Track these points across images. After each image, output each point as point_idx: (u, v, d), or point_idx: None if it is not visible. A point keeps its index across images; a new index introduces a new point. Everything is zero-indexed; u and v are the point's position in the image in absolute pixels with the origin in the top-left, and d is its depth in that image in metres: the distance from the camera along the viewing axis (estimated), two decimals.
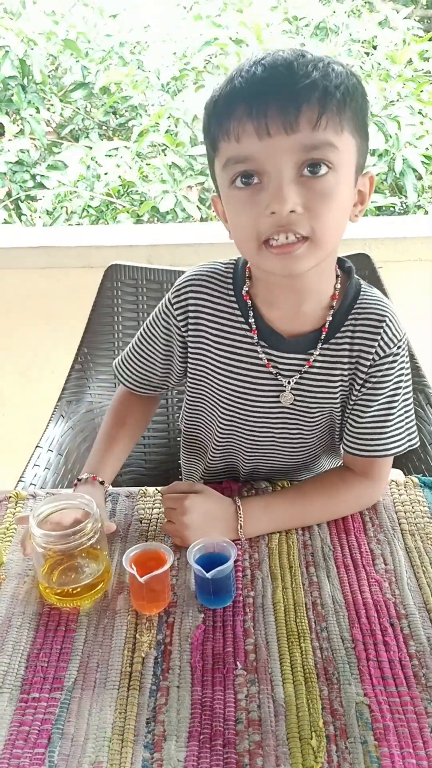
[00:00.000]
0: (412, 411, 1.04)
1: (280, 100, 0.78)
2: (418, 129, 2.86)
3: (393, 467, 1.44)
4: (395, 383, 0.99)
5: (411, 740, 0.72)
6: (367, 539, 0.99)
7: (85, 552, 0.90)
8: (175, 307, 1.03)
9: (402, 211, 2.92)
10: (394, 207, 2.88)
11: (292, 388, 1.01)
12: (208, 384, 1.08)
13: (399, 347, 0.98)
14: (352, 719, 0.74)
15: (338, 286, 0.97)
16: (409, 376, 1.02)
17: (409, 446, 1.03)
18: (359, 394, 1.00)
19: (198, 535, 0.95)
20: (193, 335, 1.04)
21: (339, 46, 3.40)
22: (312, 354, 0.99)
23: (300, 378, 1.00)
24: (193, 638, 0.84)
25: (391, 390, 0.99)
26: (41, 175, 3.21)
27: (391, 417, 1.00)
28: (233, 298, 1.01)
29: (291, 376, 1.00)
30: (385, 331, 0.96)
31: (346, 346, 0.98)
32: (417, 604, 0.88)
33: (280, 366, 1.00)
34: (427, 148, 2.85)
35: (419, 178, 2.78)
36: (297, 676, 0.79)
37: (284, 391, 1.01)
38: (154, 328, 1.08)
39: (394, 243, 1.92)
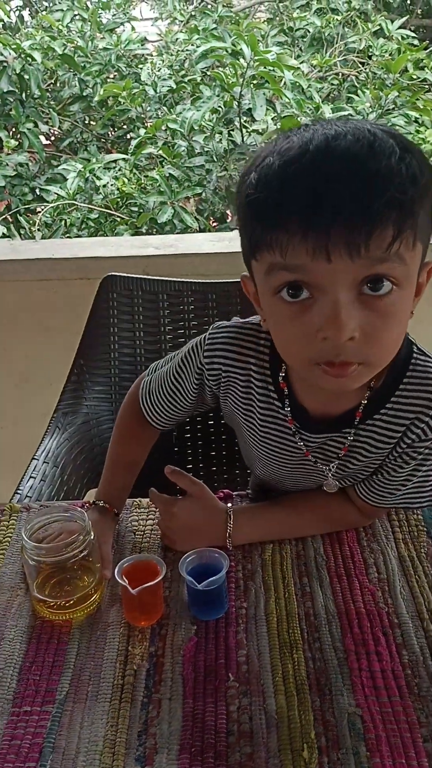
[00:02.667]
0: None
1: (348, 223, 0.63)
2: (414, 137, 2.86)
3: None
4: (425, 457, 0.90)
5: (403, 750, 0.71)
6: (361, 548, 0.98)
7: (77, 564, 0.90)
8: (208, 371, 0.96)
9: None
10: None
11: (333, 474, 0.95)
12: (242, 439, 1.05)
13: None
14: (345, 730, 0.74)
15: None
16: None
17: (419, 506, 1.01)
18: (388, 462, 0.92)
19: (183, 540, 0.95)
20: (224, 395, 0.98)
21: (334, 56, 3.42)
22: (346, 434, 0.90)
23: (339, 464, 0.94)
24: (185, 650, 0.84)
25: (420, 461, 0.91)
26: (40, 188, 3.23)
27: (409, 482, 0.94)
28: (269, 380, 0.92)
29: (329, 462, 0.94)
30: None
31: (391, 425, 0.88)
32: (410, 613, 0.88)
33: (316, 450, 0.93)
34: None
35: None
36: (289, 687, 0.79)
37: (327, 478, 0.96)
38: (185, 375, 1.00)
39: None
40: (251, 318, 0.95)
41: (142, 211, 2.77)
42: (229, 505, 1.01)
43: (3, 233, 2.78)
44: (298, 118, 2.78)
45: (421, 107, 2.96)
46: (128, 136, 3.50)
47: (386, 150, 0.64)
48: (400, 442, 0.89)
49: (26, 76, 3.27)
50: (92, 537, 0.90)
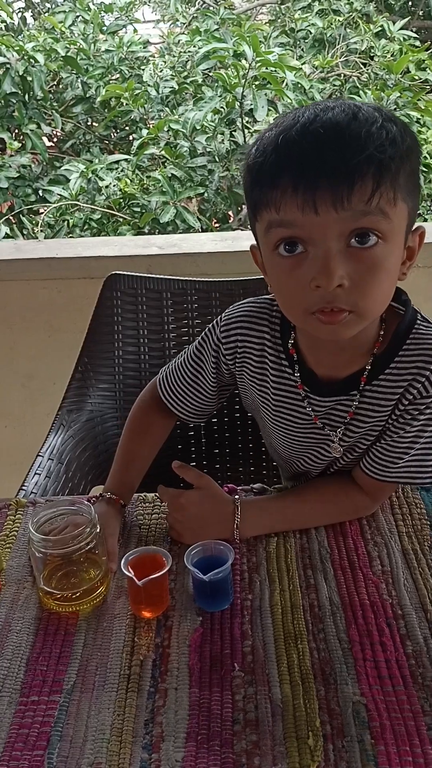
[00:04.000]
0: None
1: (331, 177, 0.72)
2: (416, 138, 2.87)
3: None
4: (427, 419, 0.94)
5: (408, 739, 0.72)
6: (365, 541, 0.99)
7: (84, 557, 0.91)
8: (224, 343, 1.03)
9: None
10: None
11: (339, 439, 0.99)
12: (257, 413, 1.09)
13: None
14: (349, 718, 0.75)
15: (382, 332, 0.93)
16: None
17: (421, 483, 1.02)
18: (391, 424, 0.96)
19: (191, 532, 0.96)
20: (239, 371, 1.05)
21: (336, 57, 3.43)
22: (354, 397, 0.95)
23: (345, 428, 0.98)
24: (191, 641, 0.85)
25: (421, 425, 0.94)
26: (43, 189, 3.24)
27: (412, 449, 0.96)
28: (281, 349, 0.99)
29: (336, 427, 0.98)
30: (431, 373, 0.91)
31: (391, 387, 0.93)
32: (414, 604, 0.88)
33: (324, 414, 0.98)
34: (425, 157, 2.86)
35: None
36: (294, 677, 0.80)
37: (333, 441, 1.00)
38: (203, 358, 1.06)
39: None
40: (263, 296, 1.03)
41: (144, 211, 2.78)
42: (237, 497, 1.02)
43: (6, 234, 2.79)
44: None
45: (423, 108, 2.97)
46: (131, 137, 3.51)
47: (369, 118, 0.74)
48: (401, 399, 0.93)
49: (29, 78, 3.29)
50: (99, 530, 0.91)
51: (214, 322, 1.05)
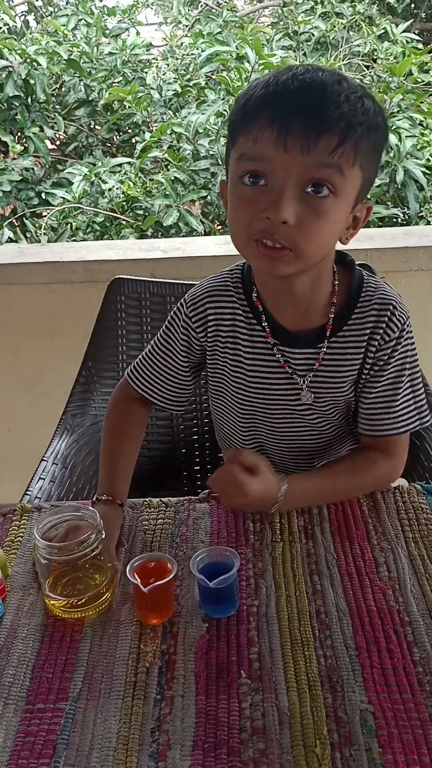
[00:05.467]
0: (422, 390, 1.07)
1: (305, 121, 0.81)
2: (419, 140, 2.87)
3: None
4: (400, 363, 1.03)
5: (415, 747, 0.72)
6: (371, 547, 0.99)
7: (89, 563, 0.91)
8: (193, 320, 1.09)
9: (404, 223, 2.93)
10: (396, 218, 2.89)
11: (308, 386, 1.05)
12: (228, 389, 1.13)
13: (403, 330, 1.02)
14: (357, 727, 0.74)
15: (336, 283, 1.02)
16: (415, 356, 1.05)
17: (420, 424, 1.06)
18: (367, 377, 1.04)
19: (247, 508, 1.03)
20: (211, 344, 1.09)
21: (339, 60, 3.43)
22: (321, 349, 1.03)
23: (314, 375, 1.05)
24: (197, 648, 0.85)
25: (396, 369, 1.03)
26: (46, 192, 3.24)
27: (398, 396, 1.04)
28: (246, 306, 1.06)
29: (305, 375, 1.05)
30: (389, 318, 1.01)
31: (355, 337, 1.02)
32: (421, 611, 0.88)
33: (295, 365, 1.05)
34: (428, 159, 2.86)
35: (421, 188, 2.79)
36: (301, 684, 0.79)
37: (302, 389, 1.06)
38: (171, 341, 1.12)
39: (396, 253, 1.93)
40: (219, 272, 1.11)
41: (147, 214, 2.78)
42: (281, 475, 1.02)
43: (9, 237, 2.79)
44: None
45: (426, 110, 2.97)
46: (133, 140, 3.52)
47: (352, 87, 0.84)
48: (368, 351, 1.02)
49: (32, 81, 3.29)
50: (104, 536, 0.91)
51: (179, 304, 1.12)
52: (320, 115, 0.81)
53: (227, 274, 1.09)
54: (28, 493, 1.22)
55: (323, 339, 1.02)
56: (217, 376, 1.13)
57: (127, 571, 0.88)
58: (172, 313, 1.13)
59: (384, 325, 1.01)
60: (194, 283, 1.54)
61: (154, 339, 1.15)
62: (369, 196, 0.96)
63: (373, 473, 1.07)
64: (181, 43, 3.66)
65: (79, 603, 0.89)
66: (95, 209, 2.86)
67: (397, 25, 3.60)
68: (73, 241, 2.83)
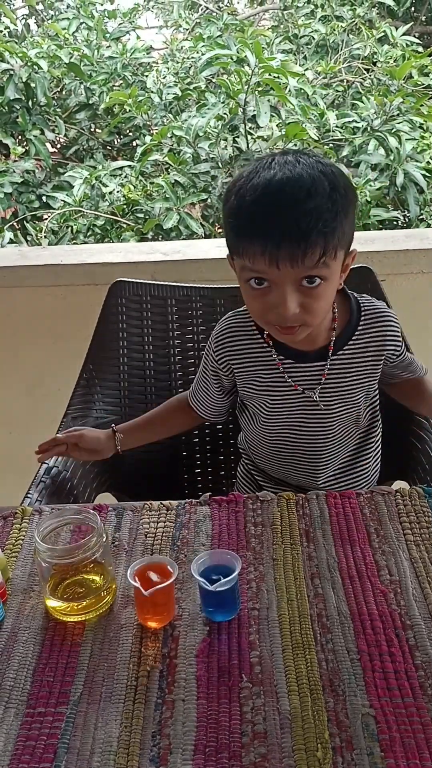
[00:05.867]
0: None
1: (290, 244, 0.97)
2: (419, 143, 2.88)
3: (398, 479, 1.44)
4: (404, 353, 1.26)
5: (417, 751, 0.71)
6: (372, 550, 0.99)
7: (90, 566, 0.91)
8: (217, 357, 1.25)
9: (405, 225, 2.93)
10: (396, 221, 2.89)
11: (318, 396, 1.21)
12: (254, 407, 1.28)
13: (400, 337, 1.22)
14: (358, 731, 0.74)
15: (335, 311, 1.18)
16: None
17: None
18: (390, 368, 1.25)
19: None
20: (238, 373, 1.25)
21: (339, 63, 3.44)
22: (324, 366, 1.19)
23: (322, 389, 1.20)
24: (198, 651, 0.84)
25: (405, 356, 1.26)
26: (47, 195, 3.25)
27: (412, 358, 1.29)
28: (260, 339, 1.21)
29: (314, 388, 1.20)
30: (393, 332, 1.20)
31: (360, 352, 1.19)
32: (422, 614, 0.88)
33: (302, 381, 1.20)
34: (428, 162, 2.86)
35: (421, 191, 2.80)
36: (302, 688, 0.79)
37: (314, 401, 1.21)
38: (205, 372, 1.31)
39: (396, 256, 1.93)
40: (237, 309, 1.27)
41: (148, 217, 2.78)
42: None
43: (10, 240, 2.80)
44: (303, 125, 2.79)
45: (426, 113, 2.98)
46: (134, 144, 3.52)
47: (320, 191, 0.97)
48: (381, 360, 1.21)
49: (32, 84, 3.30)
50: (105, 539, 0.91)
51: (208, 344, 1.28)
52: (301, 236, 0.96)
53: (244, 314, 1.24)
54: (28, 495, 1.22)
55: (326, 357, 1.19)
56: (246, 394, 1.27)
57: (128, 574, 0.88)
58: (206, 347, 1.29)
59: (391, 339, 1.20)
60: (195, 286, 1.55)
61: (200, 369, 1.33)
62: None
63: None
64: (182, 47, 3.66)
65: (79, 606, 0.89)
66: (96, 212, 2.86)
67: (397, 29, 3.61)
68: (74, 244, 2.84)
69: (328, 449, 1.27)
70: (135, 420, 1.34)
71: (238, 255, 1.04)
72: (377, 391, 1.29)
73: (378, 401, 1.31)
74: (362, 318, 1.19)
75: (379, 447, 1.36)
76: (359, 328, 1.19)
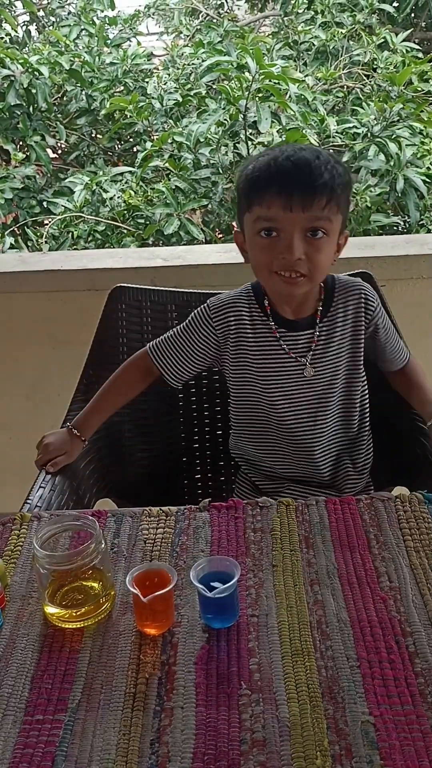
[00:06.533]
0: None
1: (303, 189, 1.13)
2: (419, 149, 2.88)
3: (398, 485, 1.44)
4: (385, 323, 1.37)
5: (417, 759, 0.71)
6: (372, 557, 0.98)
7: (88, 573, 0.90)
8: (215, 325, 1.33)
9: (405, 231, 2.93)
10: (397, 226, 2.89)
11: (310, 362, 1.31)
12: (252, 378, 1.34)
13: (376, 294, 1.35)
14: (358, 738, 0.74)
15: (321, 284, 1.31)
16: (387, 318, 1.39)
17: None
18: (372, 334, 1.35)
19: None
20: (234, 342, 1.33)
21: (339, 69, 3.44)
22: (314, 332, 1.31)
23: (312, 354, 1.31)
24: (197, 658, 0.84)
25: (385, 327, 1.37)
26: (47, 201, 3.25)
27: (397, 340, 1.40)
28: (259, 309, 1.33)
29: (305, 354, 1.31)
30: (366, 296, 1.33)
31: (340, 320, 1.32)
32: (422, 621, 0.88)
33: (297, 348, 1.31)
34: (428, 168, 2.86)
35: (421, 197, 2.80)
36: (302, 695, 0.79)
37: (305, 366, 1.31)
38: (192, 333, 1.35)
39: (396, 261, 1.93)
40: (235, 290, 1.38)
41: (148, 223, 2.78)
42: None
43: (11, 245, 2.80)
44: (303, 131, 2.80)
45: (426, 119, 2.98)
46: (135, 149, 3.52)
47: (327, 160, 1.16)
48: (361, 324, 1.32)
49: (33, 90, 3.30)
50: (104, 545, 0.91)
51: (202, 308, 1.35)
52: (311, 185, 1.12)
53: (242, 291, 1.36)
54: (28, 501, 1.21)
55: (314, 326, 1.31)
56: (240, 370, 1.35)
57: (127, 581, 0.87)
58: (195, 313, 1.35)
59: (364, 302, 1.32)
60: (195, 291, 1.55)
61: (177, 329, 1.37)
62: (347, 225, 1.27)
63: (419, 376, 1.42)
64: (182, 53, 3.67)
65: (78, 613, 0.89)
66: (96, 218, 2.86)
67: (397, 35, 3.61)
68: (75, 249, 2.84)
69: (323, 433, 1.35)
70: (87, 406, 1.38)
71: (255, 204, 1.17)
72: (366, 389, 1.39)
73: (368, 401, 1.40)
74: (336, 287, 1.33)
75: (371, 444, 1.44)
76: (335, 296, 1.32)
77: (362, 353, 1.35)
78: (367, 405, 1.40)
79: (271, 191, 1.14)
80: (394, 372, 1.44)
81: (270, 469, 1.40)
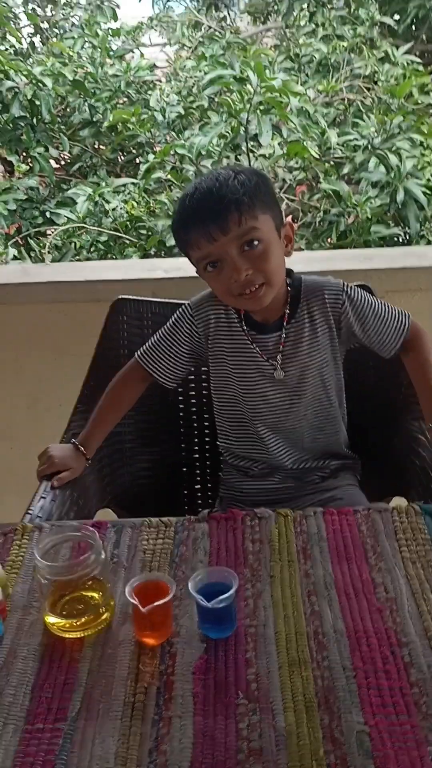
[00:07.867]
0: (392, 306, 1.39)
1: (213, 218, 1.18)
2: (420, 161, 2.90)
3: (395, 495, 1.45)
4: (365, 301, 1.35)
5: None
6: (369, 568, 0.99)
7: (89, 583, 0.92)
8: (196, 321, 1.40)
9: (405, 242, 2.95)
10: (397, 237, 2.91)
11: (280, 364, 1.36)
12: (229, 376, 1.40)
13: (342, 292, 1.34)
14: (353, 748, 0.75)
15: (289, 288, 1.35)
16: (373, 300, 1.37)
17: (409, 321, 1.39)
18: (354, 327, 1.35)
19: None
20: (213, 337, 1.39)
21: (340, 82, 3.47)
22: (281, 333, 1.35)
23: (282, 356, 1.35)
24: (195, 668, 0.85)
25: (367, 304, 1.35)
26: (50, 212, 3.28)
27: (385, 315, 1.36)
28: (233, 313, 1.38)
29: (275, 356, 1.36)
30: (326, 297, 1.34)
31: (306, 321, 1.35)
32: (418, 632, 0.88)
33: (267, 349, 1.36)
34: (428, 179, 2.89)
35: (421, 208, 2.82)
36: (298, 705, 0.80)
37: (276, 369, 1.35)
38: (177, 332, 1.41)
39: (395, 273, 1.94)
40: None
41: (150, 234, 2.81)
42: None
43: (14, 256, 2.82)
44: (304, 143, 2.82)
45: (426, 131, 3.00)
46: (137, 161, 3.55)
47: (227, 179, 1.20)
48: (332, 322, 1.35)
49: (37, 102, 3.34)
50: (104, 556, 0.92)
51: (184, 307, 1.41)
52: (218, 211, 1.18)
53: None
54: (29, 512, 1.23)
55: (281, 327, 1.35)
56: (219, 366, 1.41)
57: (126, 591, 0.88)
58: (178, 312, 1.41)
59: (329, 303, 1.34)
60: None
61: (161, 331, 1.42)
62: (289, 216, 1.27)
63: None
64: (185, 66, 3.70)
65: (78, 623, 0.90)
66: (99, 229, 2.89)
67: (398, 48, 3.65)
68: (77, 260, 2.86)
69: (294, 431, 1.40)
70: (89, 424, 1.40)
71: (188, 249, 1.25)
72: (343, 386, 1.42)
73: (345, 398, 1.44)
74: (303, 290, 1.35)
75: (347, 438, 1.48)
76: (301, 299, 1.35)
77: (340, 352, 1.38)
78: (345, 402, 1.44)
79: (192, 234, 1.22)
80: (400, 356, 1.41)
81: (256, 466, 1.44)
